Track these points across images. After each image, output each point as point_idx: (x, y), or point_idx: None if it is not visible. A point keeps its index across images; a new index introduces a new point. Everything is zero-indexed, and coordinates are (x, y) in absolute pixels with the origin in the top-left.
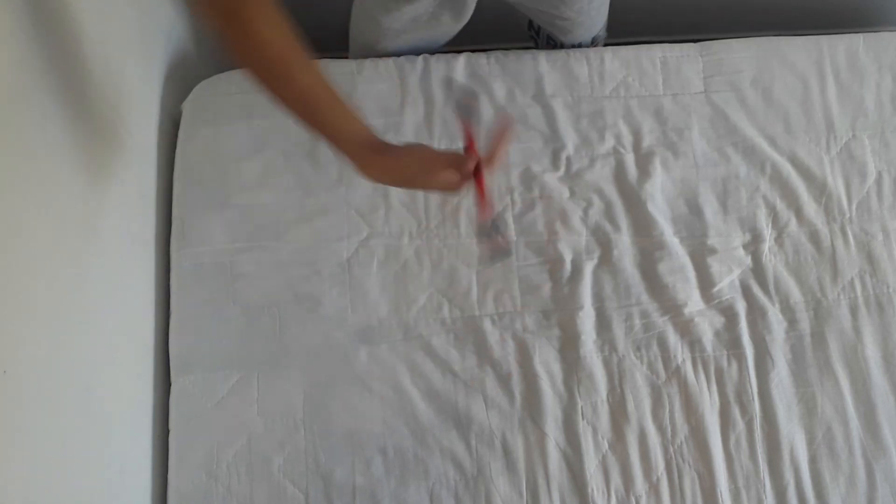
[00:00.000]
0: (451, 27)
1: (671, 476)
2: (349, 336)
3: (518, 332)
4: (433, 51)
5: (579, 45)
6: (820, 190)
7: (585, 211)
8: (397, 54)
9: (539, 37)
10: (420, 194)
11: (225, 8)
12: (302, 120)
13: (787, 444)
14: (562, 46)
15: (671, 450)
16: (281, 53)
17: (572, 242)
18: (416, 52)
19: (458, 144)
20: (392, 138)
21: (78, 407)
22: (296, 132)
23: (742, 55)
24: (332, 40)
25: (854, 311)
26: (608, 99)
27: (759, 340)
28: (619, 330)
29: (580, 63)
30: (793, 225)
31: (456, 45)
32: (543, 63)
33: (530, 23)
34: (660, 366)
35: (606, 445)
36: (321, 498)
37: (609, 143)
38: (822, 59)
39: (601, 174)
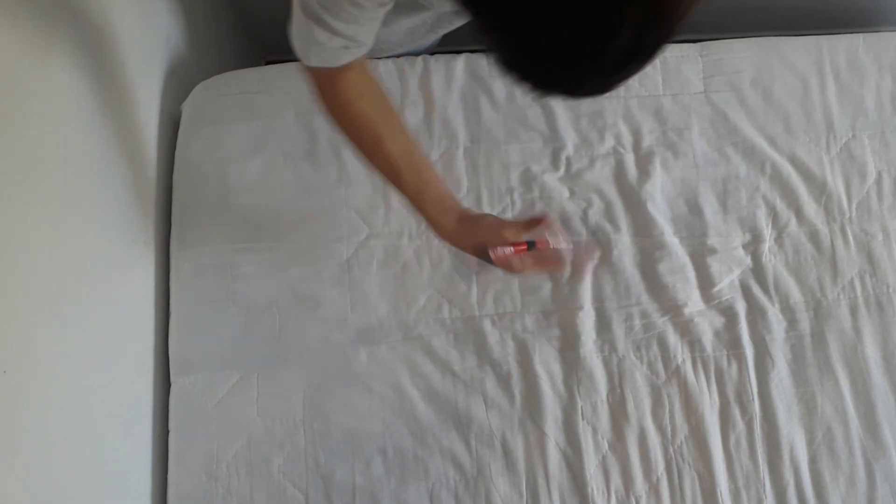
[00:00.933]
0: (445, 31)
1: (671, 476)
2: (349, 336)
3: (518, 333)
4: (433, 51)
5: None
6: (820, 190)
7: (585, 211)
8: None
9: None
10: None
11: (321, 77)
12: (391, 184)
13: (787, 444)
14: None
15: (671, 450)
16: (370, 123)
17: (572, 242)
18: (411, 55)
19: (458, 147)
20: None
21: (78, 407)
22: (295, 133)
23: (742, 55)
24: None
25: (854, 311)
26: (608, 99)
27: (759, 340)
28: (619, 330)
29: None
30: (793, 225)
31: (456, 45)
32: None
33: None
34: (660, 366)
35: (606, 445)
36: (321, 498)
37: (609, 143)
38: (822, 59)
39: (601, 174)
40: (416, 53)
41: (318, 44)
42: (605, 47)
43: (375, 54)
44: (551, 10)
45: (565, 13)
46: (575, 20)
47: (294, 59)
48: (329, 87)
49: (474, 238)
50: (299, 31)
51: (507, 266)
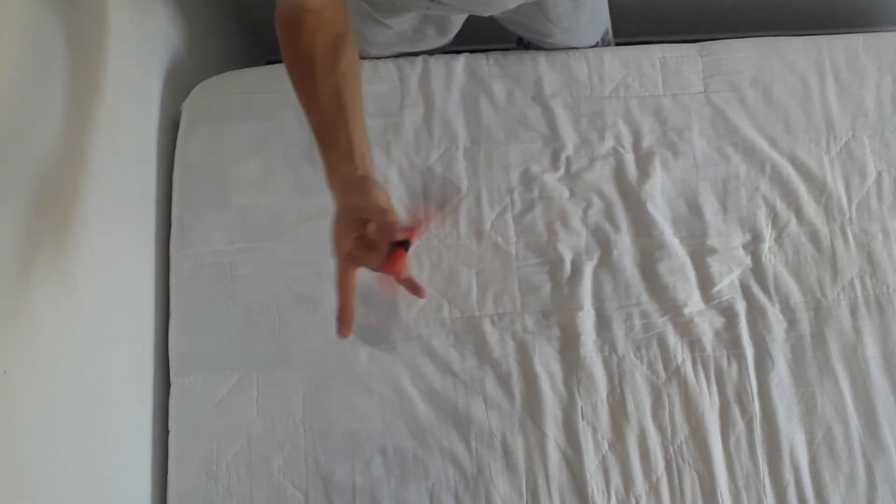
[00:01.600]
0: (436, 41)
1: (671, 476)
2: (349, 336)
3: (518, 333)
4: (432, 51)
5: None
6: (820, 190)
7: (585, 211)
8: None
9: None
10: (419, 194)
11: (285, 12)
12: (308, 121)
13: (787, 444)
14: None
15: (671, 450)
16: (313, 60)
17: (572, 243)
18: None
19: (458, 147)
20: (392, 139)
21: (78, 407)
22: (295, 133)
23: (742, 55)
24: None
25: (854, 311)
26: (608, 99)
27: (759, 340)
28: (619, 330)
29: (580, 63)
30: (793, 225)
31: (455, 46)
32: (543, 63)
33: (519, 39)
34: (660, 366)
35: (606, 445)
36: (321, 498)
37: (609, 143)
38: (822, 60)
39: (601, 174)
40: (413, 53)
41: None
42: None
43: (366, 56)
44: None
45: None
46: None
47: None
48: (288, 24)
49: (354, 192)
50: None
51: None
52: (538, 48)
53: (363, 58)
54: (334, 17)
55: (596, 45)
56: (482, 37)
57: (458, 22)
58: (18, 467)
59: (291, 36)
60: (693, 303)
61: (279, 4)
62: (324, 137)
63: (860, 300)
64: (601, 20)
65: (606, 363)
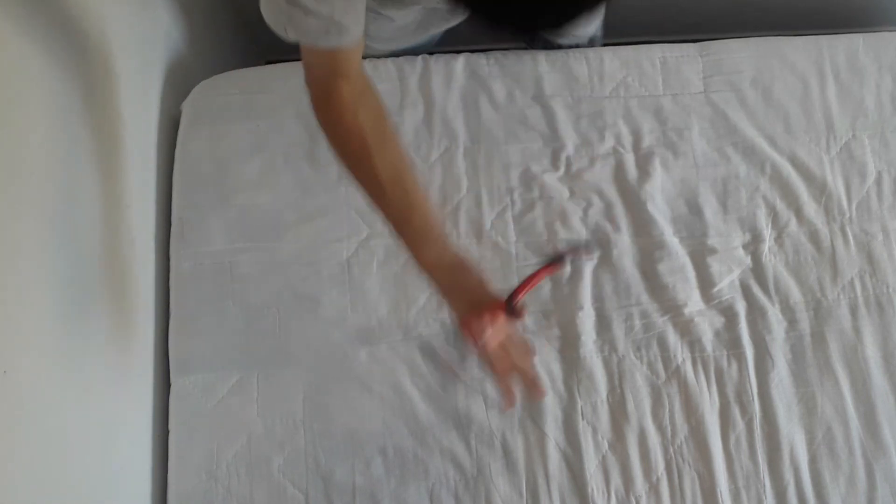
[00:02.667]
0: (437, 30)
1: (671, 476)
2: (349, 336)
3: (518, 333)
4: (432, 51)
5: (576, 46)
6: (820, 190)
7: (585, 211)
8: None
9: (535, 39)
10: None
11: (318, 86)
12: (376, 205)
13: (787, 444)
14: (559, 47)
15: (671, 450)
16: (361, 136)
17: (572, 242)
18: (407, 53)
19: (458, 147)
20: None
21: (78, 407)
22: (295, 132)
23: (742, 55)
24: None
25: (854, 311)
26: (608, 99)
27: (759, 340)
28: (619, 330)
29: (580, 63)
30: (793, 225)
31: (456, 45)
32: (543, 63)
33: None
34: (660, 366)
35: (606, 445)
36: (321, 498)
37: (609, 143)
38: (822, 60)
39: (601, 174)
40: (412, 52)
41: (292, 20)
42: None
43: (369, 51)
44: None
45: None
46: None
47: (294, 59)
48: (324, 97)
49: (455, 280)
50: (271, 5)
51: (485, 353)
52: (541, 38)
53: (366, 56)
54: (365, 85)
55: (596, 35)
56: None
57: (459, 17)
58: (18, 467)
59: (333, 117)
60: (693, 303)
61: (310, 74)
62: (398, 221)
63: (860, 300)
64: (598, 16)
65: (606, 363)
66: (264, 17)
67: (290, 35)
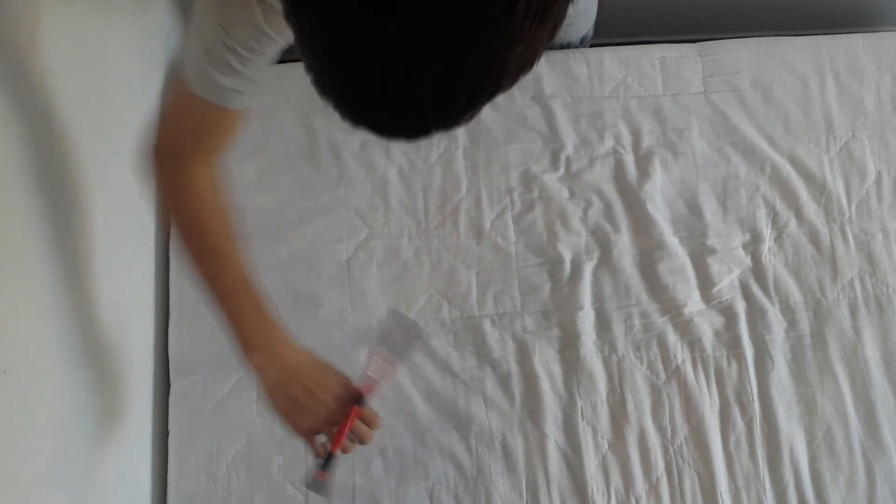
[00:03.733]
0: None
1: (671, 476)
2: (349, 337)
3: (518, 333)
4: None
5: (568, 45)
6: (820, 190)
7: (585, 211)
8: None
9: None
10: (419, 193)
11: (170, 170)
12: (219, 308)
13: (787, 444)
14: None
15: (671, 450)
16: (217, 244)
17: (572, 243)
18: None
19: (458, 147)
20: None
21: (78, 407)
22: (295, 133)
23: (742, 55)
24: None
25: (854, 311)
26: (607, 99)
27: (758, 340)
28: (618, 330)
29: (579, 63)
30: (792, 225)
31: None
32: (543, 63)
33: None
34: (660, 366)
35: (606, 445)
36: (321, 498)
37: (608, 143)
38: (822, 60)
39: (601, 174)
40: None
41: (210, 77)
42: (419, 68)
43: None
44: (360, 21)
45: (375, 25)
46: (387, 31)
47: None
48: (177, 182)
49: (285, 394)
50: (195, 59)
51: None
52: None
53: None
54: (220, 177)
55: (587, 34)
56: None
57: None
58: (18, 467)
59: (178, 192)
60: (693, 303)
61: (163, 136)
62: (233, 310)
63: (860, 300)
64: (594, 9)
65: (606, 363)
66: (185, 59)
67: (197, 90)
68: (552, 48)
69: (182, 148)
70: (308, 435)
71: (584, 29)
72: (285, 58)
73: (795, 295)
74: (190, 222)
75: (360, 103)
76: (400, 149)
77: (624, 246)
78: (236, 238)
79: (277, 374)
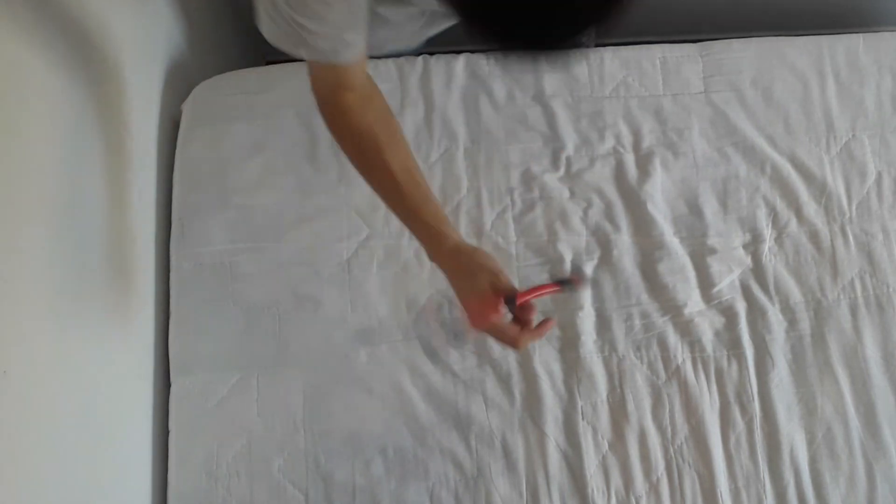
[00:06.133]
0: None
1: (671, 476)
2: (349, 337)
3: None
4: (432, 51)
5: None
6: (820, 190)
7: (585, 211)
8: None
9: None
10: None
11: (324, 93)
12: (390, 201)
13: (787, 444)
14: None
15: (671, 450)
16: (372, 137)
17: (572, 242)
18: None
19: (458, 147)
20: None
21: (78, 407)
22: (295, 133)
23: (742, 55)
24: None
25: (854, 311)
26: (608, 99)
27: (759, 340)
28: (619, 330)
29: (580, 63)
30: (793, 225)
31: (456, 45)
32: (543, 63)
33: None
34: (660, 366)
35: (606, 445)
36: (321, 498)
37: (609, 143)
38: (822, 59)
39: (601, 174)
40: (410, 53)
41: (301, 41)
42: None
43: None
44: None
45: None
46: None
47: (293, 60)
48: (331, 104)
49: (463, 268)
50: (278, 31)
51: (496, 330)
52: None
53: None
54: (371, 88)
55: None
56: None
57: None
58: (18, 467)
59: (340, 121)
60: (693, 303)
61: (316, 84)
62: (410, 214)
63: (860, 300)
64: None
65: (606, 363)
66: (267, 38)
67: (301, 54)
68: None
69: (328, 97)
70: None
71: None
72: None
73: (796, 295)
74: (360, 154)
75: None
76: None
77: (624, 246)
78: (396, 143)
79: (448, 266)
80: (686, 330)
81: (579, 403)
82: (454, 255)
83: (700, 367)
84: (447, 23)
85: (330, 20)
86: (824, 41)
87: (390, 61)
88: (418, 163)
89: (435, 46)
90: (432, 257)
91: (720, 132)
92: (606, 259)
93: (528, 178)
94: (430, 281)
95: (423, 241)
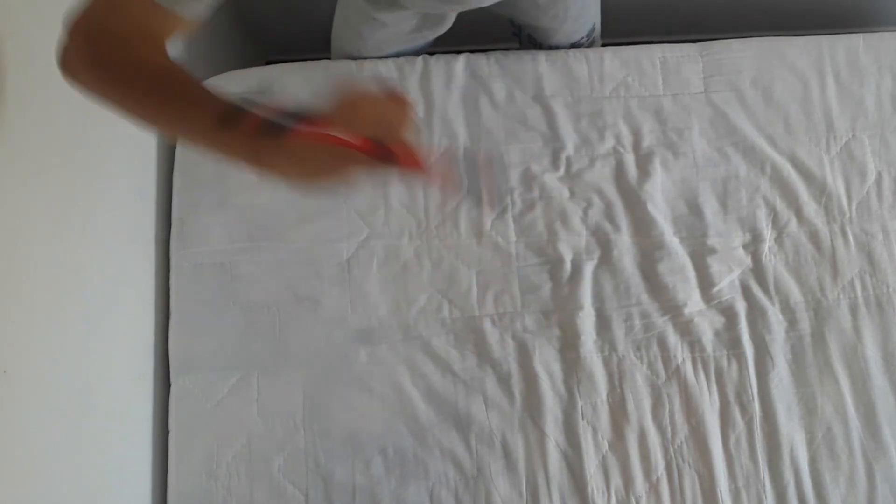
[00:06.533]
0: (430, 38)
1: (671, 476)
2: (349, 336)
3: (518, 333)
4: (432, 51)
5: (578, 44)
6: (820, 190)
7: (585, 211)
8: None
9: (521, 35)
10: (420, 193)
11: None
12: (157, 119)
13: (787, 444)
14: (540, 47)
15: (671, 450)
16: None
17: (572, 242)
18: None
19: (458, 145)
20: None
21: (78, 407)
22: None
23: (742, 55)
24: (319, 42)
25: (854, 311)
26: (608, 99)
27: (759, 340)
28: (619, 330)
29: (580, 63)
30: (793, 225)
31: (456, 45)
32: (543, 63)
33: (511, 20)
34: (660, 366)
35: (606, 445)
36: (321, 498)
37: (609, 143)
38: (822, 59)
39: (601, 174)
40: (410, 53)
41: None
42: None
43: (363, 54)
44: None
45: None
46: None
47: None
48: (101, 41)
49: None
50: None
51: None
52: (529, 34)
53: (361, 58)
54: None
55: (580, 41)
56: (482, 37)
57: (451, 18)
58: (18, 467)
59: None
60: (693, 303)
61: (106, 20)
62: (176, 109)
63: (860, 300)
64: (590, 16)
65: (606, 363)
66: None
67: None
68: (554, 48)
69: (100, 48)
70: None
71: (573, 37)
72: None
73: (796, 295)
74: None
75: None
76: None
77: (624, 246)
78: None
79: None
80: (686, 330)
81: (579, 403)
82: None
83: (700, 367)
84: (441, 26)
85: None
86: (824, 41)
87: (390, 61)
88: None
89: (435, 46)
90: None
91: (720, 132)
92: (606, 259)
93: (528, 178)
94: (429, 281)
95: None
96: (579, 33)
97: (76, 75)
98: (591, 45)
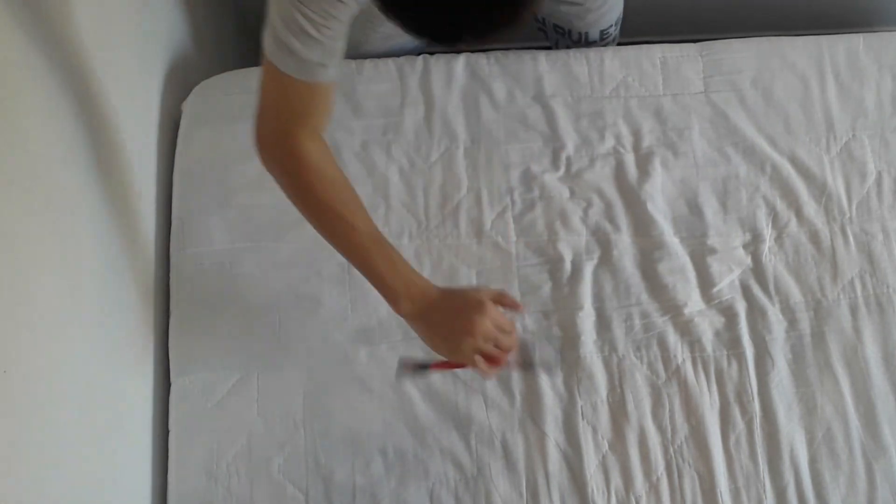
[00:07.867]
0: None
1: (671, 476)
2: (349, 336)
3: (518, 333)
4: (432, 51)
5: (587, 38)
6: (820, 190)
7: (585, 211)
8: (380, 56)
9: (546, 26)
10: (420, 193)
11: (283, 168)
12: (358, 259)
13: (787, 444)
14: (569, 35)
15: (671, 450)
16: (339, 212)
17: (572, 242)
18: (402, 52)
19: (458, 147)
20: (392, 138)
21: (78, 407)
22: None
23: (742, 55)
24: None
25: (854, 311)
26: (608, 99)
27: (759, 340)
28: (619, 330)
29: (580, 63)
30: (793, 225)
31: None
32: (543, 63)
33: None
34: (660, 366)
35: (606, 445)
36: (321, 498)
37: (609, 143)
38: (822, 59)
39: (601, 174)
40: (410, 52)
41: (292, 52)
42: None
43: (364, 49)
44: None
45: None
46: None
47: None
48: (289, 158)
49: (445, 324)
50: (275, 37)
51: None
52: (554, 23)
53: (360, 58)
54: (323, 126)
55: (610, 28)
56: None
57: None
58: (18, 467)
59: (298, 177)
60: (693, 303)
61: (266, 122)
62: (374, 265)
63: (860, 300)
64: (619, 3)
65: (606, 363)
66: (266, 52)
67: (284, 67)
68: (568, 36)
69: (284, 130)
70: (466, 359)
71: (612, 18)
72: None
73: (796, 295)
74: (310, 197)
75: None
76: (401, 148)
77: (624, 246)
78: (357, 200)
79: (425, 317)
80: (686, 330)
81: (579, 403)
82: (447, 295)
83: (700, 367)
84: None
85: (332, 28)
86: (824, 41)
87: (390, 61)
88: (418, 162)
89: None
90: (406, 311)
91: (720, 132)
92: (606, 259)
93: (528, 178)
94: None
95: (397, 294)
96: (610, 20)
97: (271, 172)
98: (610, 40)
